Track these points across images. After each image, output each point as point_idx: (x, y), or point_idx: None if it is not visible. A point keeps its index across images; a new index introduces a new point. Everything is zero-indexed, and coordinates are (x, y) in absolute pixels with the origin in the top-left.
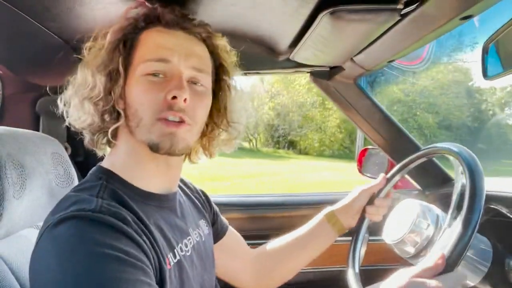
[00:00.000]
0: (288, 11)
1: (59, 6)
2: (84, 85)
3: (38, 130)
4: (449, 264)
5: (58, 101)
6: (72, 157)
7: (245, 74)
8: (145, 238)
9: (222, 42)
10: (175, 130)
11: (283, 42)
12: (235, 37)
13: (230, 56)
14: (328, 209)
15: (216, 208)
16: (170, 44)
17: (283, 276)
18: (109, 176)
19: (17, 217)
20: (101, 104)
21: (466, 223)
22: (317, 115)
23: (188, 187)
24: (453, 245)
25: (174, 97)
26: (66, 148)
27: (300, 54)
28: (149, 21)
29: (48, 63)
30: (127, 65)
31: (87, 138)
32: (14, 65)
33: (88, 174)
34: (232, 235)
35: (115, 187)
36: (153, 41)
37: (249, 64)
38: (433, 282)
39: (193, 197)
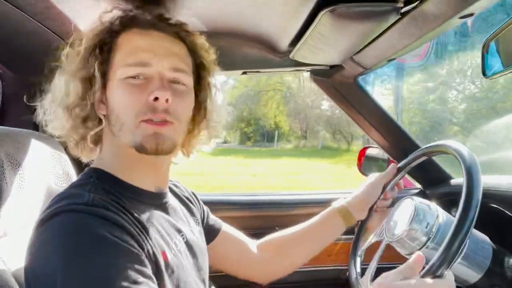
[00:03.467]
0: (288, 10)
1: (59, 5)
2: (60, 92)
3: (37, 130)
4: (448, 259)
5: (38, 108)
6: (72, 156)
7: (245, 73)
8: (138, 231)
9: (200, 41)
10: (159, 129)
11: (283, 40)
12: (235, 35)
13: (209, 54)
14: (339, 200)
15: (206, 208)
16: (148, 46)
17: (288, 266)
18: (100, 174)
19: (15, 217)
20: (77, 110)
21: (462, 220)
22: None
23: (177, 187)
24: (449, 242)
25: (156, 98)
26: (65, 148)
27: (300, 53)
28: (125, 24)
29: (48, 62)
30: (105, 70)
31: (70, 146)
32: (14, 64)
33: (80, 175)
34: (227, 233)
35: (106, 185)
36: (131, 44)
37: (249, 63)
38: (412, 280)
39: (183, 197)
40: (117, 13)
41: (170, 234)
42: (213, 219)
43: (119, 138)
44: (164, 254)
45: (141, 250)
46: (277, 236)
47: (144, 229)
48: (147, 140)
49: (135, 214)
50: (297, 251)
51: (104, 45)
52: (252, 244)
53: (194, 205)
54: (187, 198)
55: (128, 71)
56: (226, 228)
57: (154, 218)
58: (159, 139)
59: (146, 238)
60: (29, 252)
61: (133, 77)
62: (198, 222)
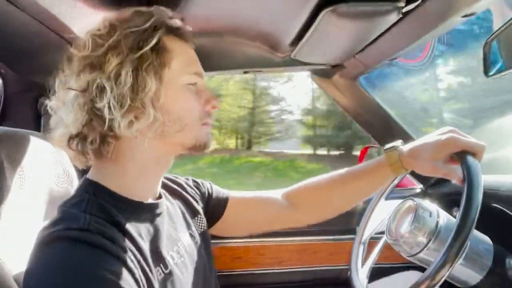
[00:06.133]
0: (290, 9)
1: (60, 4)
2: (121, 84)
3: (39, 130)
4: (449, 261)
5: (53, 101)
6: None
7: (246, 72)
8: (131, 254)
9: None
10: (210, 131)
11: (285, 40)
12: (236, 35)
13: None
14: (396, 144)
15: (207, 186)
16: (196, 59)
17: (322, 213)
18: (97, 188)
19: (16, 217)
20: (131, 104)
21: (463, 221)
22: None
23: (175, 183)
24: (450, 243)
25: (214, 107)
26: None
27: (302, 52)
28: (169, 30)
29: (49, 62)
30: (161, 70)
31: (93, 147)
32: (15, 63)
33: (77, 188)
34: (237, 199)
35: (103, 201)
36: (186, 54)
37: (250, 62)
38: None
39: (184, 193)
40: (159, 17)
41: (168, 247)
42: (218, 191)
43: (175, 137)
44: (159, 270)
45: (131, 279)
46: (311, 181)
47: (138, 250)
48: (207, 140)
49: (133, 234)
50: (332, 198)
51: (155, 45)
52: (276, 194)
53: (194, 197)
54: (187, 193)
55: (190, 78)
56: (235, 194)
57: (152, 232)
58: (211, 139)
59: (138, 261)
60: (27, 270)
61: (192, 84)
62: (203, 218)
